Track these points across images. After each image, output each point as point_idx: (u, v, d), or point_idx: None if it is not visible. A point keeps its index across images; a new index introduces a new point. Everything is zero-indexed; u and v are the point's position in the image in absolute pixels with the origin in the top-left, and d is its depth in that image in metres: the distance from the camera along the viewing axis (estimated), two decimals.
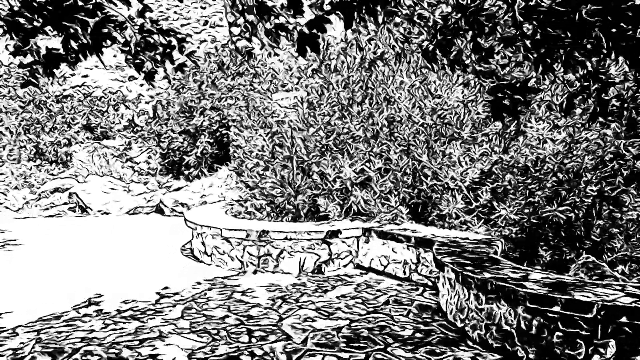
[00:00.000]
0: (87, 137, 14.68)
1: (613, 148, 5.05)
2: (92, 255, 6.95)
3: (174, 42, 3.05)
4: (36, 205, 11.84)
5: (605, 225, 4.99)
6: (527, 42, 2.55)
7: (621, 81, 4.11)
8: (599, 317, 3.01)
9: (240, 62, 12.68)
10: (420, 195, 6.33)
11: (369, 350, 3.61)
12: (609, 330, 3.01)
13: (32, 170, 13.23)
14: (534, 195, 5.35)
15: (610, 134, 5.03)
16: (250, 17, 3.16)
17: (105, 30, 2.78)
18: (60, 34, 2.80)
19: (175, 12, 20.18)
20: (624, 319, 2.95)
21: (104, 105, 15.72)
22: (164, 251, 7.15)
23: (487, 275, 3.69)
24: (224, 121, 12.34)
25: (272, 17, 3.09)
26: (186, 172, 12.63)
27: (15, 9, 2.70)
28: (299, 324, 4.16)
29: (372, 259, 5.89)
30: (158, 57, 3.08)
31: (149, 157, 13.60)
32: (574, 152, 5.25)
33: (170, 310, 4.53)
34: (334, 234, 5.92)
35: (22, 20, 2.72)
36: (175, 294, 5.06)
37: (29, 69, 2.91)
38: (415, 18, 3.19)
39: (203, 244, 6.52)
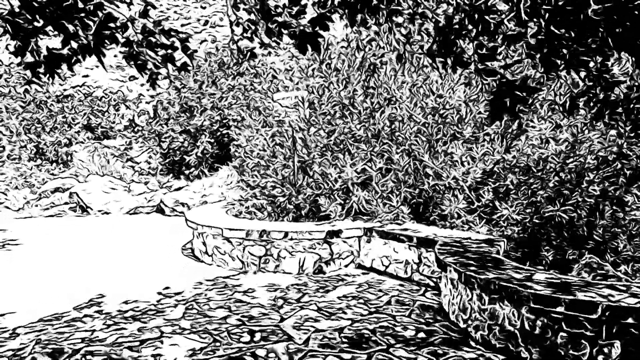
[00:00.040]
0: (88, 137, 14.67)
1: (616, 148, 5.03)
2: (93, 255, 6.93)
3: (177, 43, 3.03)
4: (36, 205, 11.83)
5: (608, 225, 4.97)
6: (532, 41, 2.53)
7: (625, 80, 4.09)
8: (603, 317, 2.99)
9: (241, 61, 12.66)
10: (421, 195, 6.31)
11: (371, 351, 3.60)
12: (614, 330, 3.00)
13: (33, 170, 13.22)
14: (536, 195, 5.33)
15: (614, 134, 5.01)
16: (252, 16, 3.15)
17: (107, 32, 2.76)
18: (60, 34, 2.79)
19: (175, 12, 20.17)
20: (629, 320, 2.93)
21: (105, 105, 15.71)
22: (165, 251, 7.13)
23: (490, 275, 3.67)
24: (224, 121, 12.33)
25: (274, 16, 3.07)
26: (187, 172, 12.61)
27: (16, 9, 2.68)
28: (301, 324, 4.14)
29: (374, 259, 5.87)
30: (160, 59, 3.06)
31: (150, 156, 13.59)
32: (577, 152, 5.23)
33: (171, 311, 4.51)
34: (335, 233, 5.90)
35: (22, 21, 2.70)
36: (176, 294, 5.04)
37: (29, 69, 2.90)
38: (417, 17, 3.17)
39: (204, 243, 6.50)
